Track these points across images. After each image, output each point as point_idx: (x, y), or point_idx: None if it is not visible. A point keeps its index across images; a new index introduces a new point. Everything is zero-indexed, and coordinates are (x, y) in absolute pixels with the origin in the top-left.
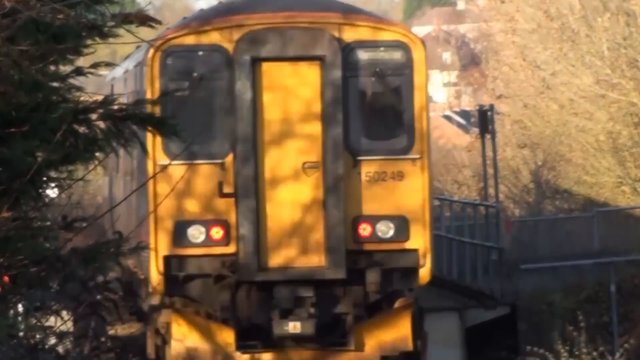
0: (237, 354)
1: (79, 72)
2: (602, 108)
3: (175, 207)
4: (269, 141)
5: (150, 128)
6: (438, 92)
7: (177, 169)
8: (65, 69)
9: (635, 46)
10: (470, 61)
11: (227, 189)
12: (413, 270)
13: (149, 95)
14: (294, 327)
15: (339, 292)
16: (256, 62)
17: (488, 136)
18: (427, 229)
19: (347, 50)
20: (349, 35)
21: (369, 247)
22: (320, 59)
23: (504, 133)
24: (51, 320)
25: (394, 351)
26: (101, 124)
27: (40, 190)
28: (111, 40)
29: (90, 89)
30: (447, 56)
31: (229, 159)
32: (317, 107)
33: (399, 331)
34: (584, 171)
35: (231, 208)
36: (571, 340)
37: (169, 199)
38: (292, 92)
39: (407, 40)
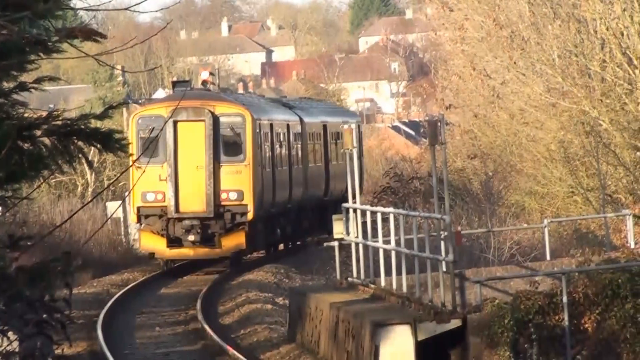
0: (168, 249)
1: (22, 87)
2: (553, 117)
3: (142, 185)
4: (181, 156)
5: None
6: (386, 103)
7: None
8: (8, 85)
9: (587, 54)
10: (419, 71)
11: (164, 177)
12: (245, 213)
13: (133, 140)
14: (191, 237)
15: (212, 223)
16: (176, 122)
17: (438, 147)
18: (252, 195)
19: (216, 117)
20: (218, 110)
21: (225, 203)
22: (203, 121)
23: (454, 144)
24: None
25: (236, 249)
26: (47, 141)
27: None
28: (55, 55)
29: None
30: (396, 66)
31: (165, 164)
32: (202, 142)
33: (238, 240)
34: (535, 181)
35: (166, 186)
36: (523, 352)
37: (140, 180)
38: (192, 136)
39: (244, 113)
